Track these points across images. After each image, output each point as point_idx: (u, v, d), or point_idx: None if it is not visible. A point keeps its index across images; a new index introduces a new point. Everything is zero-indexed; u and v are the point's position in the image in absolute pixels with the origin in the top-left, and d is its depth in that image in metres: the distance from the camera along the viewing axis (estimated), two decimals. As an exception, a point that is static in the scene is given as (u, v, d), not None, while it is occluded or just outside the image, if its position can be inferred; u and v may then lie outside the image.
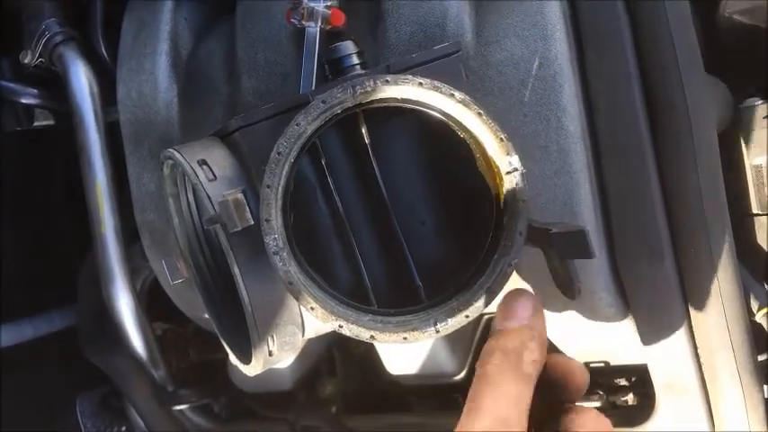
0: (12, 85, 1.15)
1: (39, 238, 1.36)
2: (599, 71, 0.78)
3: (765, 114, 0.79)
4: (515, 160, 0.61)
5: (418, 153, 0.67)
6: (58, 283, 1.30)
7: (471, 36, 0.81)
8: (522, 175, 0.61)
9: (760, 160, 0.80)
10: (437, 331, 0.61)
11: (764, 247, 0.83)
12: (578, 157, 0.78)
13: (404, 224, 0.66)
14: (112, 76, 1.04)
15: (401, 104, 0.64)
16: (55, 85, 1.12)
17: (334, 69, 0.74)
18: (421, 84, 0.61)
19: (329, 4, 0.86)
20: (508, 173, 0.62)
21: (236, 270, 0.63)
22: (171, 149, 0.70)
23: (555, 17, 0.78)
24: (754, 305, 0.81)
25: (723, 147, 0.77)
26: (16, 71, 1.17)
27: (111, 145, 1.06)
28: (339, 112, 0.62)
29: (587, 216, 0.78)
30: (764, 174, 0.80)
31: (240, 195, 0.47)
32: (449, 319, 0.61)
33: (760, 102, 0.80)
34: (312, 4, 0.86)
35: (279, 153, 0.60)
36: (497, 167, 0.62)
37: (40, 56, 1.10)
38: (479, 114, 0.61)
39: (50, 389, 1.34)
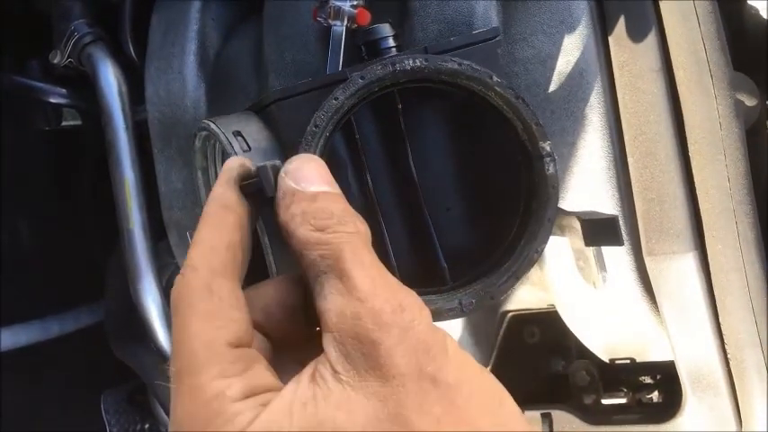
0: (41, 84, 1.17)
1: (66, 235, 1.38)
2: (626, 68, 0.79)
3: (793, 111, 0.79)
4: (548, 146, 0.62)
5: (450, 135, 0.67)
6: (86, 280, 1.31)
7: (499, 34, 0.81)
8: (554, 161, 0.62)
9: (788, 157, 0.80)
10: (462, 310, 0.61)
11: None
12: (605, 153, 0.78)
13: (432, 206, 0.67)
14: (140, 76, 1.05)
15: (438, 85, 0.64)
16: (84, 85, 1.14)
17: (370, 51, 0.74)
18: (460, 65, 0.61)
19: (355, 3, 0.87)
20: (540, 158, 0.62)
21: (265, 240, 0.64)
22: (206, 120, 0.70)
23: (582, 15, 0.79)
24: (782, 301, 0.81)
25: (750, 142, 0.77)
26: (45, 71, 1.19)
27: (138, 143, 1.08)
28: (376, 89, 0.63)
29: (613, 210, 0.79)
30: (792, 170, 0.80)
31: (279, 162, 0.47)
32: (473, 300, 0.62)
33: (788, 98, 0.80)
34: (338, 3, 0.87)
35: (315, 126, 0.60)
36: (530, 153, 0.62)
37: (69, 56, 1.12)
38: (517, 98, 0.62)
39: (76, 385, 1.35)
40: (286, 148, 0.66)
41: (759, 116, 0.81)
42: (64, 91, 1.18)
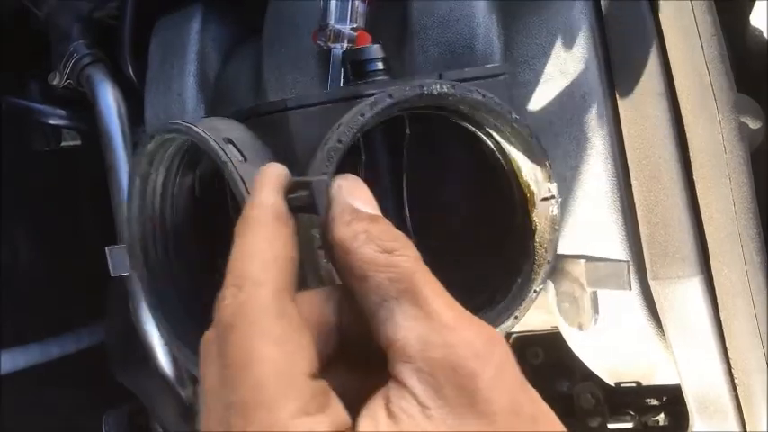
0: (40, 106, 1.17)
1: (65, 256, 1.37)
2: (629, 91, 0.78)
3: (798, 133, 0.79)
4: (554, 188, 0.61)
5: (453, 165, 0.66)
6: (86, 301, 1.31)
7: (500, 57, 0.81)
8: (559, 203, 0.61)
9: (793, 179, 0.80)
10: None
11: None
12: (609, 177, 0.77)
13: (423, 240, 0.65)
14: (140, 97, 1.05)
15: (451, 115, 0.63)
16: (83, 107, 1.14)
17: (356, 71, 0.71)
18: (483, 96, 0.60)
19: (355, 26, 0.87)
20: (545, 199, 0.61)
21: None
22: (185, 123, 0.63)
23: (584, 38, 0.78)
24: (789, 326, 0.80)
25: (755, 165, 0.76)
26: (44, 93, 1.19)
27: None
28: (396, 111, 0.61)
29: (617, 235, 0.78)
30: (798, 192, 0.79)
31: (327, 178, 0.44)
32: None
33: (792, 121, 0.79)
34: (338, 27, 0.87)
35: (339, 141, 0.57)
36: (533, 193, 0.62)
37: (68, 77, 1.12)
38: (531, 136, 0.61)
39: (77, 407, 1.35)
40: (295, 160, 0.62)
41: (764, 138, 0.80)
42: (63, 112, 1.18)
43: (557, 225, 0.61)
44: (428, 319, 0.38)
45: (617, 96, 0.79)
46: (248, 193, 0.55)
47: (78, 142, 1.24)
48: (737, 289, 0.76)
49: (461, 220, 0.65)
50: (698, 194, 0.77)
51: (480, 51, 0.81)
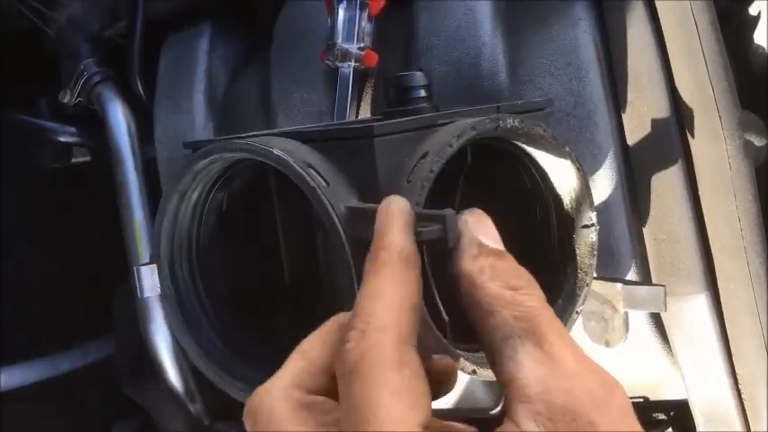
0: (50, 124, 1.18)
1: (74, 272, 1.38)
2: (634, 109, 0.79)
3: (802, 149, 0.79)
4: (594, 216, 0.62)
5: (496, 194, 0.67)
6: (93, 316, 1.32)
7: (505, 75, 0.82)
8: (597, 231, 0.63)
9: (798, 195, 0.80)
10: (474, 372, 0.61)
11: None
12: (615, 194, 0.78)
13: None
14: (149, 115, 1.06)
15: (509, 146, 0.64)
16: (94, 124, 1.15)
17: (400, 98, 0.70)
18: (545, 131, 0.61)
19: (362, 45, 0.88)
20: (585, 226, 0.63)
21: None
22: (256, 144, 0.60)
23: (589, 56, 0.79)
24: (796, 341, 0.80)
25: (760, 181, 0.77)
26: (54, 110, 1.20)
27: (148, 182, 1.08)
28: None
29: (624, 251, 0.79)
30: (803, 208, 0.80)
31: (452, 210, 0.44)
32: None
33: (796, 137, 0.80)
34: (346, 46, 0.88)
35: (431, 171, 0.55)
36: (575, 220, 0.63)
37: (78, 95, 1.13)
38: (579, 169, 0.62)
39: (85, 420, 1.35)
40: (375, 187, 0.59)
41: (768, 154, 0.81)
42: (73, 130, 1.19)
43: (595, 250, 0.63)
44: (551, 362, 0.38)
45: (622, 114, 0.80)
46: (338, 219, 0.55)
47: (88, 158, 1.25)
48: (744, 305, 0.76)
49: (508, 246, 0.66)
50: (703, 211, 0.77)
51: (486, 70, 0.82)
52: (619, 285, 0.69)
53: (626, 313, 0.62)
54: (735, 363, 0.78)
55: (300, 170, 0.57)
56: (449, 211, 0.44)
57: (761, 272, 0.76)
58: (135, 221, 1.05)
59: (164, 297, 0.70)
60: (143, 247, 1.04)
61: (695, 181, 0.77)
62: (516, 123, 0.60)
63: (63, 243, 1.40)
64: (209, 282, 0.71)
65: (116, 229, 1.09)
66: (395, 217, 0.44)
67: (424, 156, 0.57)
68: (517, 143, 0.63)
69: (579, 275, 0.63)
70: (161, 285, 0.69)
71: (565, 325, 0.62)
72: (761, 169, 0.80)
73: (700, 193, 0.77)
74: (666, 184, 0.78)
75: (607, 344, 0.62)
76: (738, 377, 0.78)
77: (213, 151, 0.64)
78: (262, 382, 0.65)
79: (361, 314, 0.39)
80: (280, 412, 0.40)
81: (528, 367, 0.38)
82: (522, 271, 0.43)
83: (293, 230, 0.71)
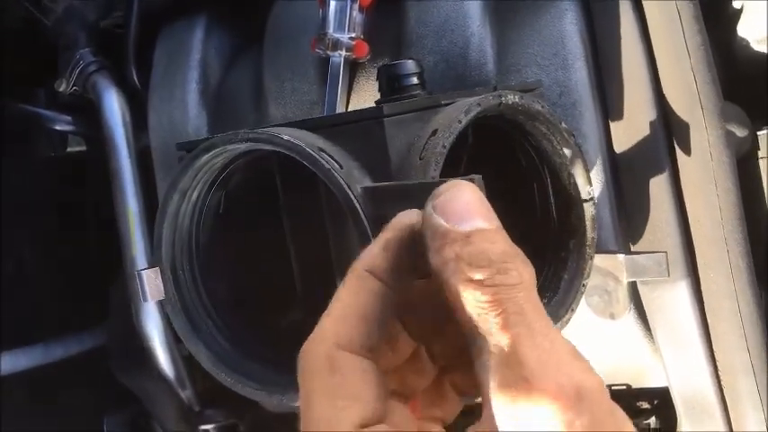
0: (47, 112, 1.20)
1: (69, 260, 1.39)
2: (619, 100, 0.80)
3: (783, 141, 0.81)
4: (592, 190, 0.64)
5: (495, 174, 0.68)
6: (89, 305, 1.33)
7: (493, 65, 0.83)
8: (595, 204, 0.65)
9: (778, 186, 0.82)
10: None
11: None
12: (599, 183, 0.79)
13: None
14: (144, 104, 1.08)
15: (507, 124, 0.65)
16: (89, 113, 1.16)
17: (392, 86, 0.70)
18: (542, 107, 0.63)
19: (353, 35, 0.89)
20: (585, 200, 0.65)
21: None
22: (264, 131, 0.59)
23: (575, 47, 0.80)
24: (775, 329, 0.82)
25: (741, 172, 0.78)
26: (51, 99, 1.22)
27: (142, 171, 1.09)
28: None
29: (608, 239, 0.80)
30: (783, 199, 0.81)
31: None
32: None
33: (777, 129, 0.81)
34: (337, 36, 0.89)
35: (443, 147, 0.57)
36: (572, 196, 0.65)
37: (74, 84, 1.14)
38: (576, 144, 0.64)
39: (79, 409, 1.36)
40: (386, 166, 0.60)
41: (750, 146, 0.82)
42: (69, 118, 1.20)
43: (595, 224, 0.64)
44: (513, 365, 0.35)
45: (607, 104, 0.81)
46: (356, 198, 0.55)
47: (84, 148, 1.26)
48: (723, 292, 0.77)
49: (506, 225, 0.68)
50: (685, 200, 0.78)
51: (474, 60, 0.83)
52: (620, 256, 0.71)
53: (629, 284, 0.64)
54: (714, 349, 0.79)
55: (314, 154, 0.57)
56: (476, 177, 0.42)
57: (740, 260, 0.77)
58: (129, 208, 1.06)
59: (167, 302, 0.68)
60: (135, 233, 1.05)
61: (678, 171, 0.79)
62: (517, 99, 0.61)
63: (61, 233, 1.41)
64: (211, 283, 0.71)
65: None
66: (389, 228, 0.42)
67: (434, 133, 0.58)
68: (515, 120, 0.64)
69: (582, 249, 0.65)
70: (165, 290, 0.68)
71: (573, 299, 0.63)
72: (742, 160, 0.81)
73: (682, 182, 0.78)
74: (649, 173, 0.79)
75: (612, 316, 0.64)
76: (718, 363, 0.79)
77: (217, 144, 0.62)
78: (274, 380, 0.66)
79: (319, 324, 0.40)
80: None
81: (491, 369, 0.36)
82: (494, 250, 0.37)
83: (300, 223, 0.72)
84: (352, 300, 0.40)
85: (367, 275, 0.40)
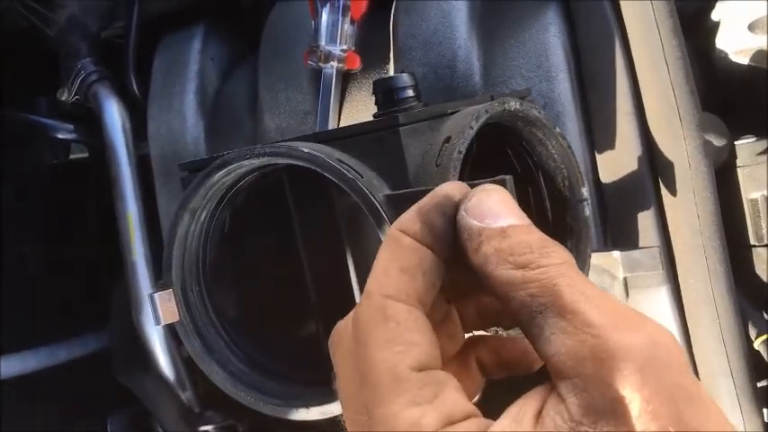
0: (49, 121, 1.22)
1: (72, 265, 1.42)
2: (601, 111, 0.82)
3: (760, 151, 0.83)
4: (585, 191, 0.66)
5: (492, 176, 0.70)
6: (92, 308, 1.35)
7: (479, 77, 0.86)
8: (590, 204, 0.67)
9: (756, 194, 0.83)
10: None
11: (762, 276, 0.85)
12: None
13: None
14: (144, 113, 1.11)
15: (507, 128, 0.68)
16: (90, 121, 1.19)
17: (388, 100, 0.71)
18: (539, 113, 0.65)
19: (345, 47, 0.92)
20: (579, 201, 0.67)
21: None
22: (282, 145, 0.60)
23: (558, 59, 0.83)
24: (753, 333, 0.84)
25: (720, 181, 0.80)
26: (53, 108, 1.24)
27: (142, 178, 1.12)
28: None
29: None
30: (761, 207, 0.83)
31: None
32: None
33: (754, 139, 0.83)
34: (329, 48, 0.92)
35: (459, 152, 0.58)
36: (567, 197, 0.67)
37: (76, 93, 1.17)
38: (569, 147, 0.66)
39: (83, 409, 1.39)
40: (402, 174, 0.62)
41: (729, 156, 0.84)
42: (71, 126, 1.23)
43: (590, 223, 0.67)
44: (576, 330, 0.35)
45: (590, 115, 0.84)
46: (380, 206, 0.57)
47: (86, 155, 1.29)
48: (702, 298, 0.80)
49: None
50: (665, 208, 0.81)
51: (461, 71, 0.86)
52: (616, 252, 0.74)
53: (625, 279, 0.66)
54: (694, 352, 0.82)
55: (337, 165, 0.58)
56: (507, 177, 0.43)
57: (718, 267, 0.79)
58: (129, 213, 1.09)
59: (179, 324, 0.68)
60: (135, 239, 1.08)
61: (658, 180, 0.81)
62: (518, 106, 0.63)
63: (64, 239, 1.43)
64: (220, 302, 0.71)
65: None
66: (425, 198, 0.43)
67: (448, 140, 0.60)
68: (514, 126, 0.67)
69: (580, 248, 0.67)
70: (178, 311, 0.68)
71: None
72: (721, 169, 0.83)
73: (661, 191, 0.81)
74: (630, 183, 0.82)
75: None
76: (697, 366, 0.82)
77: (232, 161, 0.63)
78: (293, 394, 0.66)
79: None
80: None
81: (556, 342, 0.36)
82: (533, 239, 0.39)
83: (313, 235, 0.72)
84: (390, 256, 0.42)
85: (401, 234, 0.42)
